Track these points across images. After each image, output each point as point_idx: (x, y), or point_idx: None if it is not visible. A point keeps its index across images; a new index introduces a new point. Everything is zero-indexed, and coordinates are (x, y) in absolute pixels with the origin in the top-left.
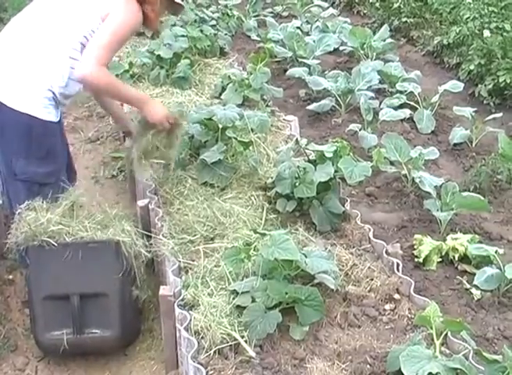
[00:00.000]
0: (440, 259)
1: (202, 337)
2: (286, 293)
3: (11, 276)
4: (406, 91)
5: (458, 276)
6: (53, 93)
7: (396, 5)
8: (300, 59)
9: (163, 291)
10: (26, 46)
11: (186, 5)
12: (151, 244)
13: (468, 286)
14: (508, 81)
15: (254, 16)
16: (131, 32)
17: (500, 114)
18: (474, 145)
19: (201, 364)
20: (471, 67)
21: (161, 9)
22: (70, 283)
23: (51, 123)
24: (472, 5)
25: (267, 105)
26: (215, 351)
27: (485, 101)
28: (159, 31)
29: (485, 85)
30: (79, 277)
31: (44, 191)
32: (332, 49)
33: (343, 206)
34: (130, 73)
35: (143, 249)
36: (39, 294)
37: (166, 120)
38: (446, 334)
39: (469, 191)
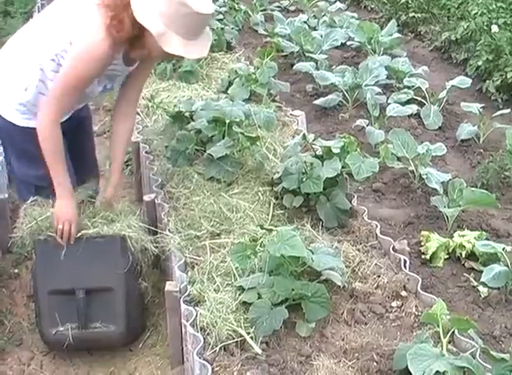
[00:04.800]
0: (447, 256)
1: (208, 334)
2: (293, 289)
3: (16, 271)
4: (413, 87)
5: (465, 274)
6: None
7: (403, 0)
8: (307, 54)
9: (169, 286)
10: (9, 54)
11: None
12: (157, 239)
13: (475, 283)
14: None
15: (261, 11)
16: (95, 68)
17: (508, 110)
18: (481, 141)
19: (207, 360)
20: (479, 63)
21: (151, 45)
22: (76, 278)
23: (31, 129)
24: (480, 1)
25: (273, 100)
26: (220, 348)
27: (492, 97)
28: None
29: (493, 81)
30: (84, 272)
31: (40, 193)
32: (339, 44)
33: (350, 202)
34: None
35: (149, 244)
36: (44, 288)
37: (65, 224)
38: (453, 332)
39: (476, 187)
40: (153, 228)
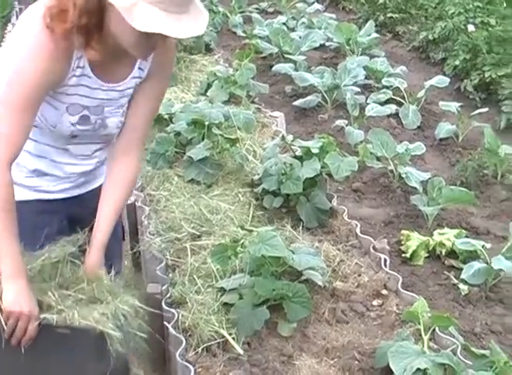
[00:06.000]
0: (427, 254)
1: (190, 335)
2: (274, 290)
3: None
4: (392, 87)
5: (445, 272)
6: None
7: (381, 1)
8: (285, 55)
9: (150, 288)
10: None
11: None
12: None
13: (455, 281)
14: (493, 76)
15: (240, 12)
16: (37, 69)
17: (486, 109)
18: (460, 140)
19: (189, 362)
20: (457, 62)
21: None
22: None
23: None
24: (457, 0)
25: (252, 102)
26: (202, 349)
27: (470, 96)
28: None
29: (471, 80)
30: (38, 371)
31: None
32: (318, 45)
33: (330, 202)
34: None
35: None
36: None
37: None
38: (434, 330)
39: (455, 185)
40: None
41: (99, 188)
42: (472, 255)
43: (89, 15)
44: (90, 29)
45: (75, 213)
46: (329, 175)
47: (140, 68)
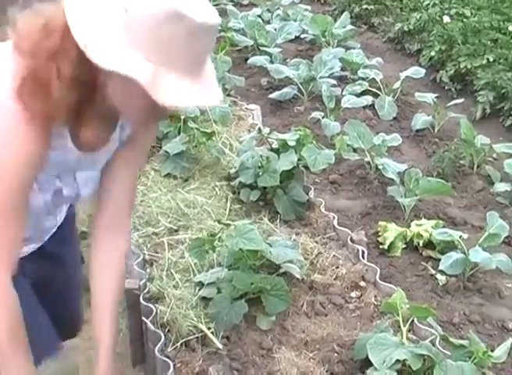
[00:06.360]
0: (405, 246)
1: (168, 330)
2: (252, 283)
3: None
4: (367, 78)
5: (423, 262)
6: None
7: None
8: (261, 48)
9: (128, 284)
10: None
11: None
12: None
13: (433, 271)
14: (469, 67)
15: (215, 5)
16: (17, 175)
17: (462, 99)
18: (436, 131)
19: (168, 357)
20: (432, 53)
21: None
22: None
23: None
24: None
25: (228, 95)
26: (181, 344)
27: (446, 87)
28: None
29: (447, 71)
30: None
31: None
32: (293, 37)
33: (307, 194)
34: None
35: None
36: None
37: None
38: (413, 321)
39: (432, 176)
40: None
41: (57, 232)
42: (450, 246)
43: (80, 87)
44: (82, 105)
45: (39, 267)
46: (306, 167)
47: (121, 127)
